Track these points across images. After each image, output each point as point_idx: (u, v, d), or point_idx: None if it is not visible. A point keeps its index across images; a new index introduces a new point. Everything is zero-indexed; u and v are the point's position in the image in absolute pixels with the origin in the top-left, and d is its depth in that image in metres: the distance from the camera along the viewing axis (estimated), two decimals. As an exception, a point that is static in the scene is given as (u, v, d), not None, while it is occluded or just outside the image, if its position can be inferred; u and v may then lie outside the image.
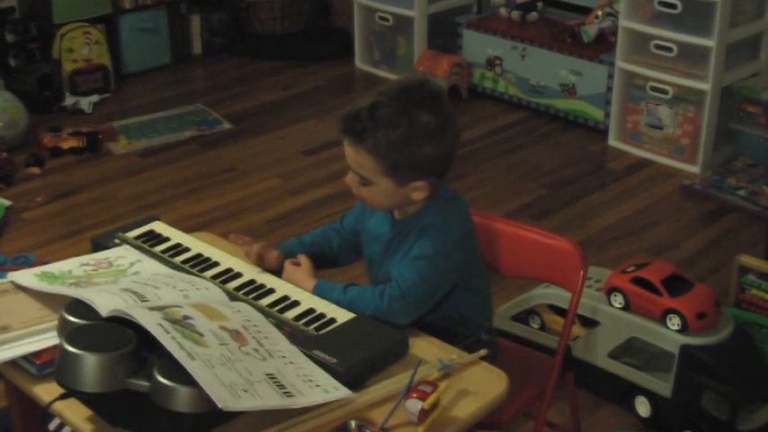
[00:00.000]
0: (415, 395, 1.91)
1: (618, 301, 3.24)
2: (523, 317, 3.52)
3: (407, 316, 2.26)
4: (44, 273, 2.30)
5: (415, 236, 2.34)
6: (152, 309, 2.01)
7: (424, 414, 1.89)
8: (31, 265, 3.83)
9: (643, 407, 3.25)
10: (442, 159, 2.33)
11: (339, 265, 2.62)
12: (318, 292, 2.29)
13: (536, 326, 3.50)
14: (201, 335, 1.94)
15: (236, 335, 1.99)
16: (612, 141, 5.27)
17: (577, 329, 3.41)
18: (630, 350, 3.33)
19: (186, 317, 1.99)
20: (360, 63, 6.39)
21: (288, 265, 2.41)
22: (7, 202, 4.64)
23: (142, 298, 2.10)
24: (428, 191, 2.33)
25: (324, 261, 2.56)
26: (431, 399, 1.90)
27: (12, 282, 2.28)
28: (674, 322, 3.12)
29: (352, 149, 2.29)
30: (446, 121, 2.30)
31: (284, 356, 2.00)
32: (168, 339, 1.88)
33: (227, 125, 5.58)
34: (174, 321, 1.95)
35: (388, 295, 2.25)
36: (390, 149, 2.24)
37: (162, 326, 1.92)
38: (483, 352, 2.14)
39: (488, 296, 2.56)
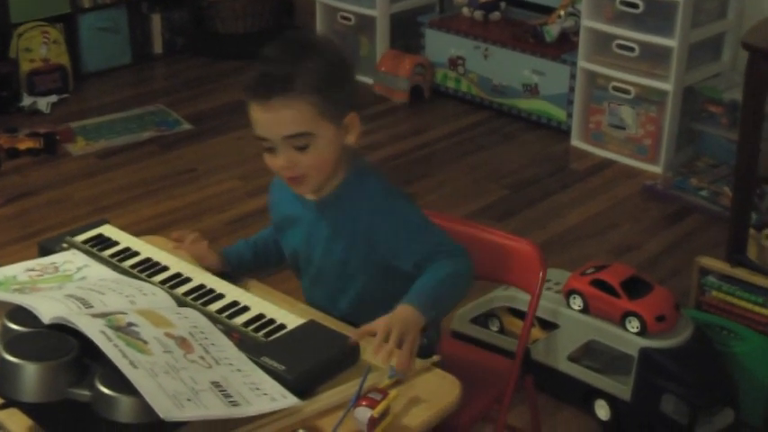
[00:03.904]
0: (364, 403, 1.87)
1: (577, 303, 3.22)
2: (482, 319, 3.49)
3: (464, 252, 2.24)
4: (-13, 278, 2.25)
5: (366, 221, 2.24)
6: (96, 316, 1.96)
7: (373, 423, 1.85)
8: (-17, 268, 3.76)
9: (603, 410, 3.23)
10: (357, 87, 2.29)
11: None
12: (425, 311, 2.09)
13: (495, 329, 3.47)
14: (146, 342, 1.89)
15: (182, 342, 1.95)
16: (575, 142, 5.26)
17: (537, 332, 3.38)
18: (590, 353, 3.31)
19: (130, 324, 1.94)
20: (322, 63, 6.33)
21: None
22: (-39, 205, 4.58)
23: (87, 304, 2.05)
24: (359, 129, 2.24)
25: (271, 260, 2.51)
26: (380, 407, 1.86)
27: (-46, 288, 2.22)
28: (633, 325, 3.10)
29: (278, 109, 2.13)
30: (342, 49, 2.26)
31: (231, 364, 1.95)
32: (110, 347, 1.83)
33: (186, 126, 5.52)
34: (117, 329, 1.90)
35: (447, 258, 2.20)
36: (320, 80, 2.13)
37: (105, 333, 1.87)
38: (435, 358, 2.10)
39: None
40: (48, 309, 2.00)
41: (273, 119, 2.14)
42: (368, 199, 2.27)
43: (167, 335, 1.95)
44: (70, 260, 2.36)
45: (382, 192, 2.28)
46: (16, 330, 1.97)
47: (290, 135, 2.15)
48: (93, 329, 1.88)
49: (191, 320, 2.06)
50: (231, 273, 2.42)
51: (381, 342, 1.96)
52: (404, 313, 2.05)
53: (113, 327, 1.91)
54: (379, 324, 2.01)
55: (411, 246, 2.23)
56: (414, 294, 2.11)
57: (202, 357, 1.93)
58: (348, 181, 2.28)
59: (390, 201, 2.27)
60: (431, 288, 2.14)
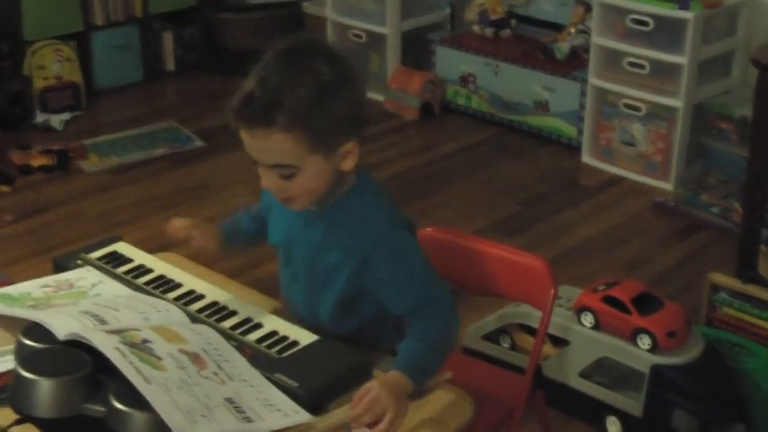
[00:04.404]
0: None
1: (588, 320, 3.22)
2: (494, 336, 3.50)
3: (454, 309, 2.13)
4: (2, 295, 2.26)
5: (367, 240, 2.13)
6: (110, 332, 1.98)
7: None
8: (-3, 284, 3.78)
9: (614, 426, 3.23)
10: (360, 109, 2.09)
11: None
12: (415, 378, 2.01)
13: (506, 345, 3.47)
14: (160, 358, 1.91)
15: (196, 358, 1.96)
16: (586, 158, 5.26)
17: (548, 348, 3.38)
18: (601, 369, 3.31)
19: (145, 340, 1.96)
20: (333, 79, 6.34)
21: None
22: (-25, 221, 4.61)
23: (101, 320, 2.07)
24: (357, 154, 2.08)
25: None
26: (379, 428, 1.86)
27: (-30, 304, 2.24)
28: (645, 341, 3.10)
29: (261, 139, 2.01)
30: (346, 65, 2.05)
31: (244, 380, 1.96)
32: (125, 363, 1.84)
33: (198, 142, 5.54)
34: (131, 345, 1.92)
35: (438, 317, 2.10)
36: (307, 113, 1.97)
37: (119, 350, 1.89)
38: (448, 375, 2.11)
39: None
40: (62, 325, 2.02)
41: (258, 146, 2.05)
42: (371, 217, 2.16)
43: (181, 351, 1.97)
44: (84, 277, 2.38)
45: (385, 215, 2.16)
46: (31, 346, 1.99)
47: (273, 164, 2.06)
48: (108, 346, 1.89)
49: (204, 337, 2.08)
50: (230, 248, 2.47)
51: (371, 401, 1.89)
52: (396, 381, 1.97)
53: (128, 343, 1.92)
54: (373, 385, 1.92)
55: (404, 292, 2.13)
56: (405, 360, 2.04)
57: (216, 373, 1.95)
58: (349, 194, 2.16)
59: (393, 229, 2.15)
60: (422, 354, 2.05)
